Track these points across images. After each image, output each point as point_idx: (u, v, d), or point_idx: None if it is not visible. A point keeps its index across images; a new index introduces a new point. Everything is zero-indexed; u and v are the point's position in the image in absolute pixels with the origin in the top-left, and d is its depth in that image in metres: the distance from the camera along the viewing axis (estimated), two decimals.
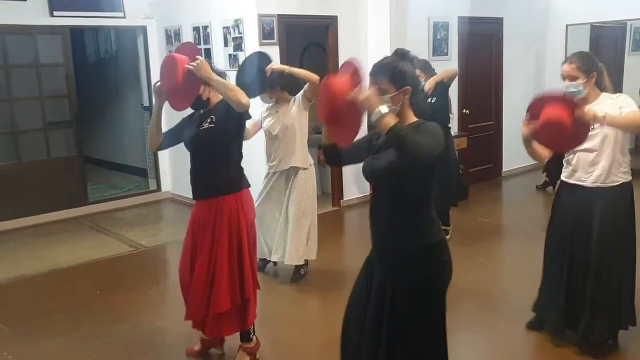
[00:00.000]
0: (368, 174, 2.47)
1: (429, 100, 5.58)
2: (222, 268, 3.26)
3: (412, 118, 2.40)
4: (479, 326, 3.99)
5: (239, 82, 4.19)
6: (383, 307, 2.43)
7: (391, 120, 2.15)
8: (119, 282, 5.14)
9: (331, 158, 2.60)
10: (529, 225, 6.19)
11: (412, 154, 2.14)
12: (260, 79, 4.36)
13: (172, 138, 3.45)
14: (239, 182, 3.39)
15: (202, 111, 3.33)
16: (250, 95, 3.40)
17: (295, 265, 4.83)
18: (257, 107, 4.60)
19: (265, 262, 4.92)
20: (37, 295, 4.90)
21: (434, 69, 5.80)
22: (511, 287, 4.75)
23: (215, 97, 3.29)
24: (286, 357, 3.75)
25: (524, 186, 8.28)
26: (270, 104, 4.69)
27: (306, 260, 4.86)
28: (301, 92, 4.56)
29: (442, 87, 5.66)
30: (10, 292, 4.98)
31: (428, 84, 5.50)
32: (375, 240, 2.53)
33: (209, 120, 3.25)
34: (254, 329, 3.55)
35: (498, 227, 6.51)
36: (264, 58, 4.47)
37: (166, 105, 3.27)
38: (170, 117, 3.62)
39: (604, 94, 3.39)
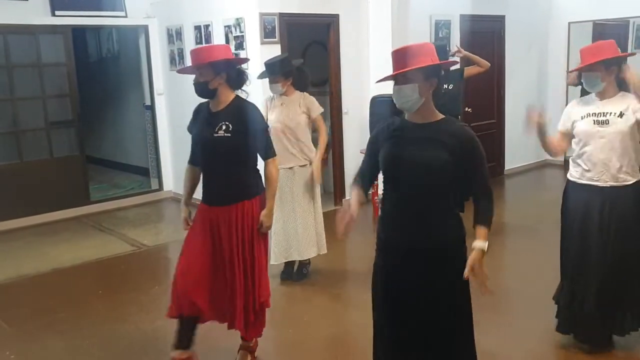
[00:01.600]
0: (409, 164, 2.42)
1: (445, 86, 5.58)
2: (259, 263, 3.30)
3: (435, 111, 2.49)
4: (481, 323, 3.97)
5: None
6: (423, 306, 2.48)
7: (486, 237, 2.44)
8: (121, 281, 5.15)
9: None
10: (532, 223, 6.17)
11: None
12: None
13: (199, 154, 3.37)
14: (257, 186, 3.34)
15: (211, 111, 3.22)
16: None
17: (299, 265, 4.82)
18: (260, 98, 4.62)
19: (291, 270, 4.91)
20: (39, 294, 4.90)
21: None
22: (513, 285, 4.74)
23: (226, 94, 3.20)
24: (289, 355, 3.75)
25: (526, 184, 8.27)
26: (274, 96, 4.66)
27: (309, 260, 4.85)
28: (318, 114, 4.65)
29: (459, 75, 5.70)
30: (12, 292, 4.98)
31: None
32: (401, 238, 2.50)
33: (224, 127, 3.13)
34: None
35: (500, 225, 6.48)
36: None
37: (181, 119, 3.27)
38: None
39: (622, 92, 3.31)
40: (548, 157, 9.17)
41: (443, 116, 2.49)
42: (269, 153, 3.35)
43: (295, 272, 4.86)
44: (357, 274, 4.89)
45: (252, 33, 6.17)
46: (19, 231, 6.56)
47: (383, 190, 2.60)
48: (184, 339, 3.34)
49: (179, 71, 3.48)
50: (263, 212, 3.30)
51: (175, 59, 7.40)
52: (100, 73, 9.70)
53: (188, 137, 3.41)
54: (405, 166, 2.43)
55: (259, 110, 3.33)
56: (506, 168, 8.75)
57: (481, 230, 2.45)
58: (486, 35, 8.22)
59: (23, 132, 7.00)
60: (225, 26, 6.46)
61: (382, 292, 2.58)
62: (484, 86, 8.27)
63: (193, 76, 3.22)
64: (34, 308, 4.57)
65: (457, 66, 5.86)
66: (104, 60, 9.72)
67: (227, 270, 3.26)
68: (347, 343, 3.84)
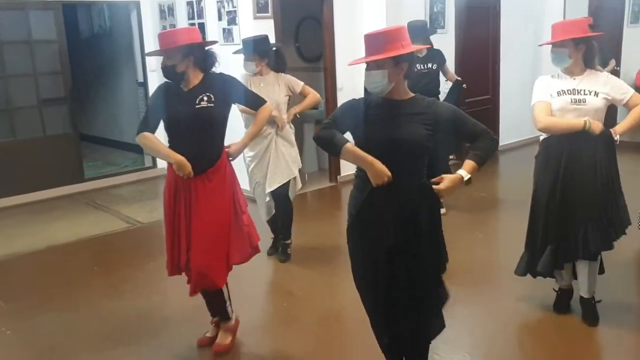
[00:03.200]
0: (388, 142, 2.45)
1: (430, 65, 5.58)
2: (241, 214, 3.35)
3: (407, 92, 2.56)
4: (476, 298, 4.01)
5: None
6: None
7: (473, 170, 2.54)
8: (116, 258, 5.16)
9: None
10: (526, 199, 6.17)
11: (494, 149, 2.60)
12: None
13: (155, 124, 3.32)
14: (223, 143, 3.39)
15: (184, 90, 3.20)
16: None
17: (282, 245, 4.83)
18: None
19: (275, 248, 4.94)
20: (35, 271, 4.91)
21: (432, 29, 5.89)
22: (507, 260, 4.76)
23: (196, 75, 3.20)
24: (284, 330, 3.78)
25: (520, 160, 8.26)
26: (251, 75, 4.62)
27: (290, 240, 4.88)
28: (301, 85, 4.68)
29: (442, 55, 5.71)
30: (7, 269, 4.99)
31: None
32: (375, 210, 2.54)
33: (205, 99, 3.15)
34: (231, 307, 3.53)
35: (494, 201, 6.52)
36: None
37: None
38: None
39: (589, 70, 3.44)
40: (542, 133, 9.21)
41: (413, 94, 2.57)
42: (258, 102, 3.49)
43: (280, 252, 4.87)
44: None
45: (245, 8, 6.10)
46: (13, 209, 6.55)
47: (358, 168, 2.62)
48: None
49: (147, 54, 3.48)
50: (234, 144, 3.42)
51: None
52: (92, 50, 9.60)
53: None
54: (383, 144, 2.47)
55: (231, 75, 3.37)
56: (501, 144, 8.74)
57: (468, 162, 2.56)
58: (481, 9, 8.17)
59: (15, 109, 6.95)
60: (217, 1, 6.39)
61: (362, 247, 2.66)
62: (478, 62, 8.24)
63: None
64: (30, 285, 4.58)
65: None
66: (95, 36, 9.62)
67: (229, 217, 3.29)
68: (341, 317, 3.88)
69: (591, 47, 3.41)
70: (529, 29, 8.81)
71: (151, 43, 7.61)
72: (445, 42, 7.16)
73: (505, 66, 8.56)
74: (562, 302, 3.75)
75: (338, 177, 7.18)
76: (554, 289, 3.78)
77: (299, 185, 4.92)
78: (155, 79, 7.70)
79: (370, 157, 2.44)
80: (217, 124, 3.25)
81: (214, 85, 3.21)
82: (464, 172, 2.54)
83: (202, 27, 6.58)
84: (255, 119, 3.52)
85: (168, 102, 3.23)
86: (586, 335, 3.52)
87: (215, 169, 3.24)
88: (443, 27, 7.58)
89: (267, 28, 6.07)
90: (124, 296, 4.28)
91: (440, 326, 2.77)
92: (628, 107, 3.44)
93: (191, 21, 6.81)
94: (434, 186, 2.52)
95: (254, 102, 3.51)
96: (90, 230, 5.79)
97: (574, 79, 3.43)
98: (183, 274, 3.35)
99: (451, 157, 6.47)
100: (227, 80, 3.29)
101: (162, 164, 7.90)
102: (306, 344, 3.55)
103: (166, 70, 3.18)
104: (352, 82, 6.64)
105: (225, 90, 3.24)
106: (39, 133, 7.09)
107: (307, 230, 5.32)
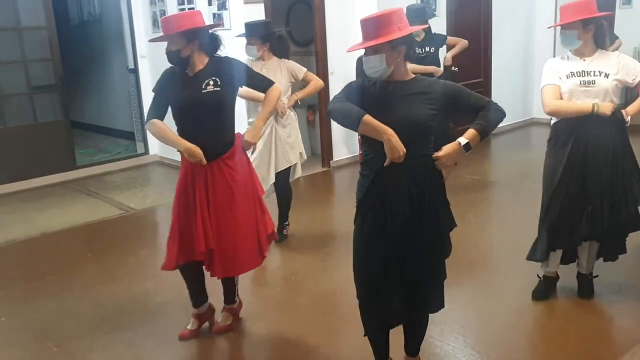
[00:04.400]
0: (394, 122, 2.42)
1: (428, 49, 5.60)
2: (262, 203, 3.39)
3: (408, 73, 2.56)
4: (468, 280, 4.05)
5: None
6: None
7: (474, 139, 2.53)
8: (109, 244, 5.17)
9: None
10: (517, 181, 6.24)
11: (499, 119, 2.60)
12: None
13: (163, 111, 3.27)
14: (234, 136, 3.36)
15: (189, 75, 3.17)
16: None
17: (279, 225, 4.83)
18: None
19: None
20: (29, 259, 4.92)
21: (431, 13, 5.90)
22: (499, 243, 4.82)
23: (201, 59, 3.17)
24: (278, 314, 3.80)
25: (512, 143, 8.31)
26: (254, 60, 4.61)
27: (288, 222, 4.89)
28: (304, 71, 4.66)
29: (442, 40, 5.74)
30: (1, 257, 4.99)
31: (449, 57, 5.91)
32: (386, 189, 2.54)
33: (212, 83, 3.12)
34: (237, 291, 3.58)
35: (486, 183, 6.55)
36: None
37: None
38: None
39: (600, 50, 3.40)
40: (535, 115, 9.24)
41: (414, 75, 2.58)
42: (266, 83, 3.42)
43: (277, 232, 4.88)
44: (346, 233, 4.93)
45: None
46: (5, 197, 6.53)
47: (365, 150, 2.61)
48: (195, 295, 3.47)
49: (151, 40, 3.44)
50: (248, 130, 3.44)
51: (157, 21, 7.27)
52: (82, 37, 9.53)
53: None
54: (389, 124, 2.43)
55: (237, 59, 3.34)
56: None
57: (469, 130, 2.56)
58: None
59: (5, 97, 6.91)
60: None
61: (369, 229, 2.62)
62: (470, 45, 8.19)
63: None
64: (24, 272, 4.60)
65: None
66: (85, 23, 9.53)
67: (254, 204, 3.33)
68: (335, 301, 3.91)
69: (601, 27, 3.37)
70: (520, 13, 8.80)
71: (141, 29, 7.57)
72: (438, 26, 7.14)
73: (497, 49, 8.56)
74: (543, 290, 3.74)
75: (331, 162, 7.19)
76: (538, 276, 3.78)
77: (299, 172, 4.92)
78: (146, 66, 7.68)
79: (390, 130, 2.40)
80: (224, 108, 3.21)
81: (219, 69, 3.17)
82: (462, 139, 2.53)
83: None
84: (264, 101, 3.44)
85: (174, 87, 3.20)
86: (579, 316, 3.56)
87: (229, 154, 3.22)
88: (435, 12, 7.56)
89: (257, 12, 6.04)
90: (118, 282, 4.29)
91: (440, 305, 2.79)
92: (639, 89, 3.42)
93: (181, 6, 6.77)
94: (433, 155, 2.52)
95: (261, 84, 3.43)
96: (83, 217, 5.79)
97: (584, 60, 3.39)
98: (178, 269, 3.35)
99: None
100: (232, 64, 3.25)
101: (154, 150, 7.92)
102: (300, 328, 3.57)
103: (171, 55, 3.15)
104: (344, 66, 6.63)
105: (232, 74, 3.20)
106: (30, 121, 7.05)
107: (300, 215, 5.34)
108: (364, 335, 2.82)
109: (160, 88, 3.26)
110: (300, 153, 4.80)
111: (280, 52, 4.63)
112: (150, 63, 7.64)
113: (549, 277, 3.75)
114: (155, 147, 7.93)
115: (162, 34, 3.19)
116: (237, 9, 6.04)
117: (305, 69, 4.70)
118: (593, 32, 3.35)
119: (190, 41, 3.10)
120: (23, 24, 6.91)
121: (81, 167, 7.41)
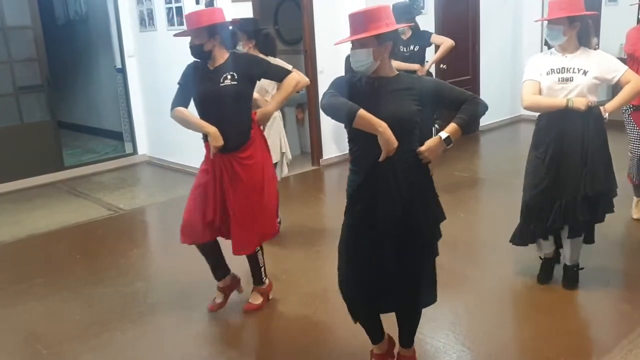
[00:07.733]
0: (381, 118, 2.43)
1: (413, 47, 5.60)
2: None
3: (393, 70, 2.60)
4: (458, 277, 4.06)
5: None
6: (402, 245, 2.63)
7: (455, 133, 2.55)
8: (99, 245, 5.13)
9: None
10: (506, 178, 6.25)
11: (480, 113, 2.64)
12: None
13: (187, 102, 3.45)
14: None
15: (210, 68, 3.36)
16: None
17: None
18: None
19: None
20: (17, 260, 4.88)
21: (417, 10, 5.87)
22: (489, 239, 4.83)
23: (221, 54, 3.36)
24: (267, 312, 3.79)
25: (501, 140, 8.35)
26: None
27: (279, 220, 4.87)
28: (290, 68, 4.60)
29: (427, 38, 5.72)
30: None
31: (428, 67, 5.83)
32: (374, 186, 2.57)
33: (229, 77, 3.32)
34: (265, 271, 3.77)
35: (475, 180, 6.57)
36: None
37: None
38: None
39: (582, 47, 3.49)
40: (523, 112, 9.27)
41: (398, 72, 2.61)
42: (284, 73, 3.56)
43: None
44: (336, 231, 4.92)
45: None
46: None
47: (351, 147, 2.63)
48: (214, 269, 3.65)
49: (176, 35, 3.60)
50: (261, 110, 3.56)
51: (145, 20, 7.23)
52: (68, 36, 9.46)
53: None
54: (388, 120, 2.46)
55: (255, 55, 3.55)
56: (481, 124, 8.79)
57: (451, 124, 2.59)
58: None
59: None
60: None
61: (358, 224, 2.66)
62: (458, 42, 8.20)
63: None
64: (12, 273, 4.55)
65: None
66: (71, 23, 9.46)
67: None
68: (327, 299, 3.90)
69: (586, 26, 3.47)
70: (508, 9, 8.83)
71: (128, 28, 7.52)
72: (426, 23, 7.15)
73: (485, 46, 8.58)
74: (546, 271, 3.83)
75: (320, 160, 7.19)
76: (539, 257, 3.88)
77: (285, 171, 4.93)
78: (133, 65, 7.62)
79: (384, 124, 2.41)
80: (240, 99, 3.38)
81: (237, 64, 3.37)
82: (442, 133, 2.56)
83: (179, 10, 6.50)
84: (280, 86, 3.57)
85: (196, 80, 3.40)
86: (568, 311, 3.59)
87: (247, 144, 3.40)
88: (422, 8, 7.58)
89: (245, 10, 6.02)
90: (108, 283, 4.26)
91: (432, 300, 2.82)
92: (620, 84, 3.50)
93: (168, 5, 6.73)
94: (417, 150, 2.56)
95: (279, 74, 3.57)
96: (72, 218, 5.75)
97: (565, 56, 3.49)
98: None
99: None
100: (251, 60, 3.54)
101: (142, 150, 7.88)
102: (292, 326, 3.57)
103: (193, 49, 3.33)
104: (332, 65, 6.63)
105: (250, 69, 3.41)
106: (16, 121, 6.99)
107: (290, 214, 5.33)
108: (355, 322, 2.83)
109: (184, 80, 3.46)
110: (283, 153, 4.83)
111: (267, 49, 4.64)
112: (138, 62, 7.59)
113: (548, 259, 3.86)
114: (143, 147, 7.89)
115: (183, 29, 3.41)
116: (225, 7, 5.97)
117: (290, 67, 4.69)
118: (578, 29, 3.45)
119: (212, 36, 3.30)
120: (8, 23, 6.85)
121: (69, 167, 7.35)
